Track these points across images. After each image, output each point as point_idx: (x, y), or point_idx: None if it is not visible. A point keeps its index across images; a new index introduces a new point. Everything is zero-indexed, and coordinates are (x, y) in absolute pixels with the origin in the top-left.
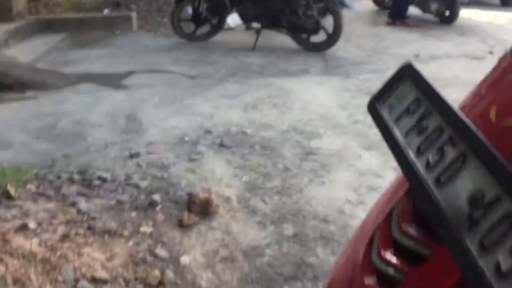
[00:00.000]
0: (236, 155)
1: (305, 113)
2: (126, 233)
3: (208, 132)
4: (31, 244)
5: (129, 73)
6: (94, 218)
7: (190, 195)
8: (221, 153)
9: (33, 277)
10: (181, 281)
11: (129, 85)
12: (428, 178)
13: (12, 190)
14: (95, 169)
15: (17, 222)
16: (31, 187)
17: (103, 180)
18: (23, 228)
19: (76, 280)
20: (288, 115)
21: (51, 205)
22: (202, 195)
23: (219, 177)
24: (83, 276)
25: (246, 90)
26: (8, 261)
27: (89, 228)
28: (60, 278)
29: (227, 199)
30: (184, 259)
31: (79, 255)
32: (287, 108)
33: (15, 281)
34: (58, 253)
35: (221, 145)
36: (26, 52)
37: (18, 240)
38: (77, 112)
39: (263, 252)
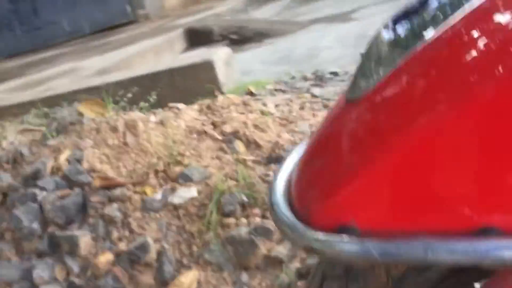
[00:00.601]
0: None
1: None
2: None
3: None
4: (268, 107)
5: (357, 9)
6: (328, 99)
7: None
8: None
9: (272, 126)
10: None
11: (357, 17)
12: None
13: (252, 89)
14: (327, 69)
15: (257, 106)
16: (269, 86)
17: (335, 73)
18: (262, 105)
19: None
20: None
21: (287, 95)
22: None
23: None
24: None
25: None
26: (248, 114)
27: (324, 106)
28: (296, 129)
29: None
30: None
31: (314, 116)
32: None
33: (255, 126)
34: (294, 114)
35: None
36: (261, 15)
37: (257, 104)
38: (309, 43)
39: None
